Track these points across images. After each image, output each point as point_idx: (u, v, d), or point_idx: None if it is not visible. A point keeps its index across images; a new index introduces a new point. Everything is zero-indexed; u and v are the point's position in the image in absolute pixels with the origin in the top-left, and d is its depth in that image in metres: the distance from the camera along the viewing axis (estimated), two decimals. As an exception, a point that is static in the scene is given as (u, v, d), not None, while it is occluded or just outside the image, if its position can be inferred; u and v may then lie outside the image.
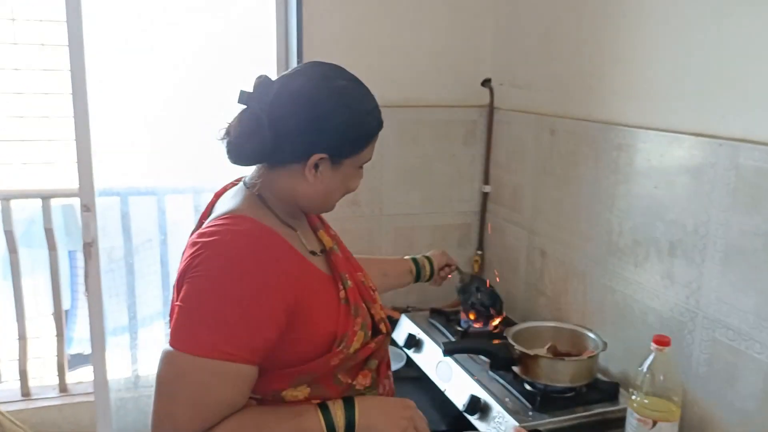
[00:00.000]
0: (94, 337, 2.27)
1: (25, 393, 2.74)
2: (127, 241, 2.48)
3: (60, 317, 2.80)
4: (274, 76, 1.10)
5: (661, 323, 1.52)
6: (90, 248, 2.18)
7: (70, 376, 2.83)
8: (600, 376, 1.61)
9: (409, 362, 1.92)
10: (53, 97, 3.20)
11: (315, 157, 1.06)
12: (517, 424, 1.43)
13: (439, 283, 1.72)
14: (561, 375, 1.51)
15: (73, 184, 2.19)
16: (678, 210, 1.46)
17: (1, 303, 3.00)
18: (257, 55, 2.25)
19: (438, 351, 1.74)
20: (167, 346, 0.98)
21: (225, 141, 1.09)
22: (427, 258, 1.67)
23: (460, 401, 1.60)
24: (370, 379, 1.15)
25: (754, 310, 1.28)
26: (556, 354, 1.58)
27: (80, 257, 3.00)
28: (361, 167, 1.15)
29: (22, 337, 2.76)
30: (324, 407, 1.07)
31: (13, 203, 2.75)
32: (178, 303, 1.00)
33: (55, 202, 2.84)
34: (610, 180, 1.68)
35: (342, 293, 1.13)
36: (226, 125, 1.10)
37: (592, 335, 1.63)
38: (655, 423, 1.29)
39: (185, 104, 2.28)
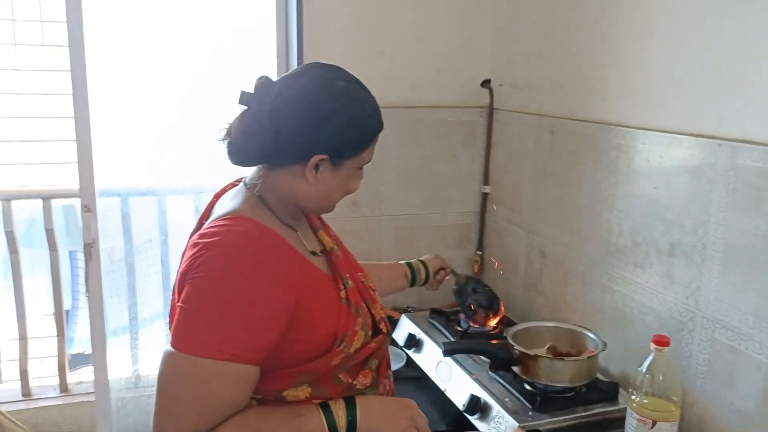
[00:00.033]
0: (95, 337, 2.27)
1: (26, 393, 2.74)
2: (128, 241, 2.49)
3: (61, 317, 2.81)
4: (274, 77, 1.10)
5: (660, 323, 1.52)
6: (90, 249, 2.18)
7: (70, 376, 2.83)
8: (600, 376, 1.61)
9: (409, 362, 1.92)
10: (54, 97, 3.20)
11: (315, 158, 1.07)
12: (517, 424, 1.43)
13: (435, 287, 1.72)
14: (561, 375, 1.52)
15: (74, 184, 2.20)
16: (677, 210, 1.46)
17: (1, 303, 3.01)
18: (257, 56, 2.25)
19: (438, 351, 1.74)
20: (169, 347, 0.98)
21: (226, 141, 1.10)
22: (422, 262, 1.67)
23: (460, 401, 1.60)
24: (370, 378, 1.16)
25: (753, 310, 1.29)
26: (556, 354, 1.58)
27: (81, 257, 2.99)
28: (361, 168, 1.15)
29: (23, 337, 2.76)
30: (326, 407, 1.07)
31: (14, 204, 2.75)
32: (179, 304, 1.01)
33: (55, 203, 2.84)
34: (609, 180, 1.68)
35: (343, 293, 1.14)
36: (227, 126, 1.11)
37: (591, 335, 1.63)
38: (654, 423, 1.29)
39: (186, 105, 2.28)
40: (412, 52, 2.21)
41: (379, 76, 2.12)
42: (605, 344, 1.58)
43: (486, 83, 2.26)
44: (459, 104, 2.28)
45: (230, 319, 0.97)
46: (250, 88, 1.08)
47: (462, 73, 2.26)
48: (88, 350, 2.52)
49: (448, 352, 1.65)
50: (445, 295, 1.88)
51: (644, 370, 1.32)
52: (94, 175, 2.15)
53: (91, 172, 2.14)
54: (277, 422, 1.04)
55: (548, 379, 1.52)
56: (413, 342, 1.92)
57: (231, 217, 1.07)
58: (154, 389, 0.99)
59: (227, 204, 1.13)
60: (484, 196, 2.33)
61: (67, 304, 3.12)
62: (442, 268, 1.71)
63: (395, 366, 1.88)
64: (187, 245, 1.11)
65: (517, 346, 1.57)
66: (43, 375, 2.91)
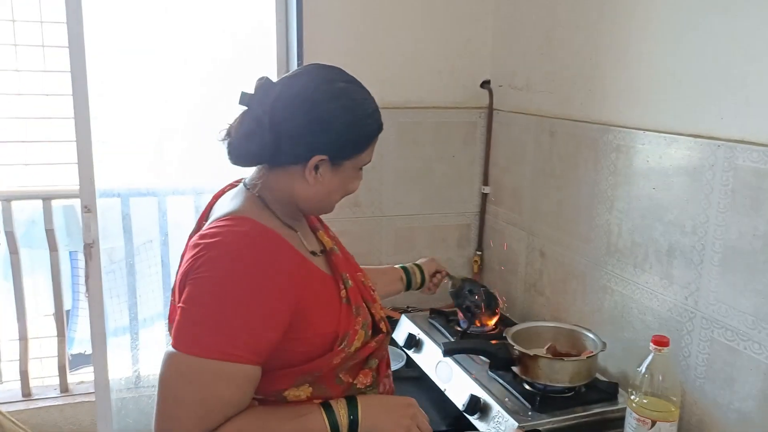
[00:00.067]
0: (95, 337, 2.27)
1: (26, 393, 2.74)
2: (128, 242, 2.49)
3: (61, 317, 2.81)
4: (274, 78, 1.11)
5: (659, 324, 1.53)
6: (91, 249, 2.19)
7: (71, 377, 2.83)
8: (599, 376, 1.62)
9: (409, 362, 1.93)
10: (54, 98, 3.20)
11: (315, 159, 1.07)
12: (516, 424, 1.44)
13: (432, 291, 1.72)
14: (560, 375, 1.52)
15: (74, 185, 2.20)
16: (676, 211, 1.47)
17: (2, 303, 3.01)
18: (258, 57, 2.26)
19: (438, 351, 1.75)
20: (170, 348, 0.98)
21: (226, 142, 1.10)
22: (417, 266, 1.67)
23: (459, 401, 1.60)
24: (371, 378, 1.16)
25: (752, 310, 1.29)
26: (556, 354, 1.59)
27: (81, 258, 3.00)
28: (361, 169, 1.16)
29: (23, 338, 2.76)
30: (327, 406, 1.08)
31: (14, 204, 2.75)
32: (180, 305, 1.01)
33: (56, 203, 2.84)
34: (609, 181, 1.68)
35: (343, 293, 1.14)
36: (227, 126, 1.11)
37: (591, 335, 1.64)
38: (654, 423, 1.30)
39: (186, 105, 2.28)
40: (412, 52, 2.21)
41: (379, 76, 2.13)
42: (605, 344, 1.58)
43: (486, 84, 2.26)
44: (459, 105, 2.28)
45: (231, 320, 0.97)
46: (251, 89, 1.09)
47: (462, 74, 2.26)
48: (89, 350, 2.52)
49: (447, 352, 1.65)
50: (444, 295, 1.88)
51: (643, 370, 1.32)
52: (94, 176, 2.15)
53: (92, 172, 2.15)
54: (278, 422, 1.04)
55: (548, 379, 1.52)
56: (413, 342, 1.93)
57: (231, 217, 1.07)
58: (155, 389, 0.99)
59: (227, 205, 1.13)
60: (484, 196, 2.33)
61: (67, 305, 3.12)
62: (437, 272, 1.71)
63: (395, 366, 1.88)
64: (186, 246, 1.11)
65: (516, 346, 1.57)
66: (44, 375, 2.91)
